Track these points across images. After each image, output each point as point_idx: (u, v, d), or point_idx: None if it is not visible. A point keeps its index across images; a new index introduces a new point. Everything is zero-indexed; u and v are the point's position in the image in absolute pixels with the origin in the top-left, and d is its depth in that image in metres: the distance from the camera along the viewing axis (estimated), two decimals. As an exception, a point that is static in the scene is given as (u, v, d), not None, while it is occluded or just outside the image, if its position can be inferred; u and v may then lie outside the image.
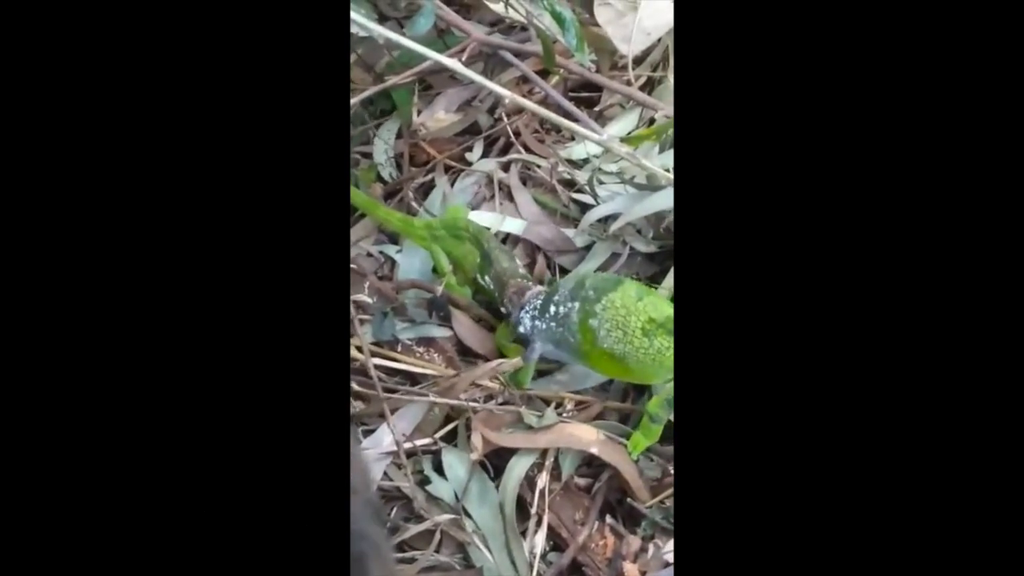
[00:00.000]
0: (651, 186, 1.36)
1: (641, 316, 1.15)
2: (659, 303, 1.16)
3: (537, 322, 1.24)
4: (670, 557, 1.15)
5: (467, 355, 1.36)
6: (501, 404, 1.26)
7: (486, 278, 1.34)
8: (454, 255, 1.37)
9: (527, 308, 1.26)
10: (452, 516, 1.19)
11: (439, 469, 1.24)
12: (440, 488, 1.23)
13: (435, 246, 1.38)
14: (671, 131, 1.37)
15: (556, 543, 1.20)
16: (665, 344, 1.14)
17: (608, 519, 1.21)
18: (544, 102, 1.43)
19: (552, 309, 1.22)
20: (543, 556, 1.19)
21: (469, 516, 1.20)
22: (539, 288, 1.28)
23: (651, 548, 1.18)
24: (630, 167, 1.40)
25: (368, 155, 1.57)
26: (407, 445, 1.23)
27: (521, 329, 1.26)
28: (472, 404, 1.25)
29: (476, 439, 1.22)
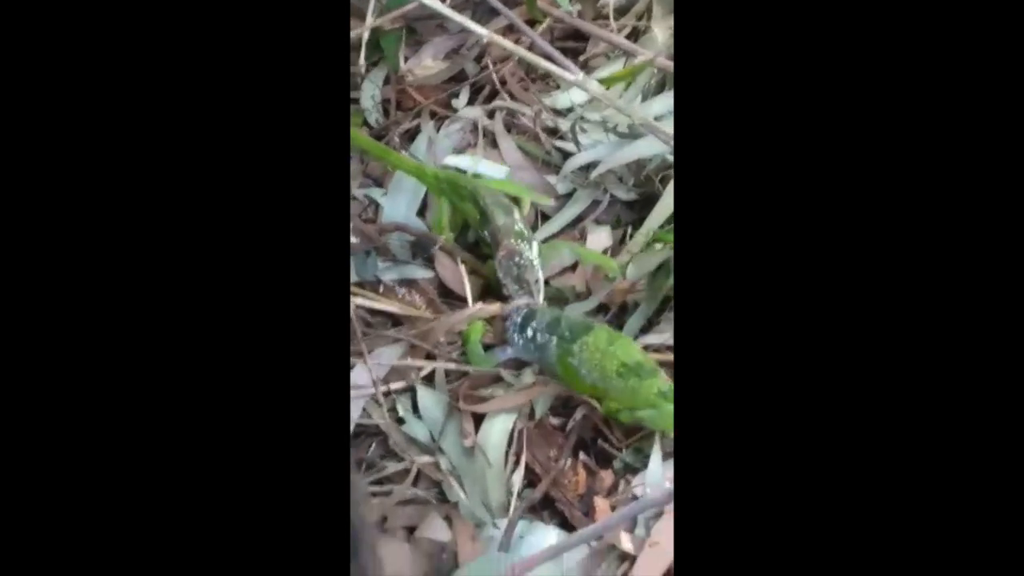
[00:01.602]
0: (632, 134, 1.38)
1: (614, 360, 1.20)
2: (628, 347, 1.22)
3: (515, 336, 1.27)
4: (639, 491, 1.18)
5: (449, 297, 1.39)
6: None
7: (484, 233, 1.36)
8: (456, 209, 1.39)
9: (509, 320, 1.29)
10: (429, 459, 1.22)
11: (416, 409, 1.27)
12: (416, 428, 1.26)
13: (442, 199, 1.40)
14: (653, 77, 1.40)
15: (530, 480, 1.23)
16: (636, 385, 1.19)
17: (581, 456, 1.24)
18: (530, 50, 1.44)
19: (529, 332, 1.26)
20: (519, 495, 1.22)
21: (444, 454, 1.23)
22: (522, 303, 1.30)
23: (622, 485, 1.21)
24: (612, 115, 1.42)
25: (355, 100, 1.59)
26: (384, 387, 1.26)
27: (505, 336, 1.30)
28: (447, 365, 1.28)
29: (468, 426, 1.25)
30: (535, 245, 1.34)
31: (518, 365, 1.29)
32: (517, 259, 1.31)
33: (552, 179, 1.45)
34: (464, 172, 1.46)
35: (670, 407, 1.17)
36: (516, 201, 1.40)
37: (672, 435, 1.19)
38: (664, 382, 1.19)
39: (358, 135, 1.46)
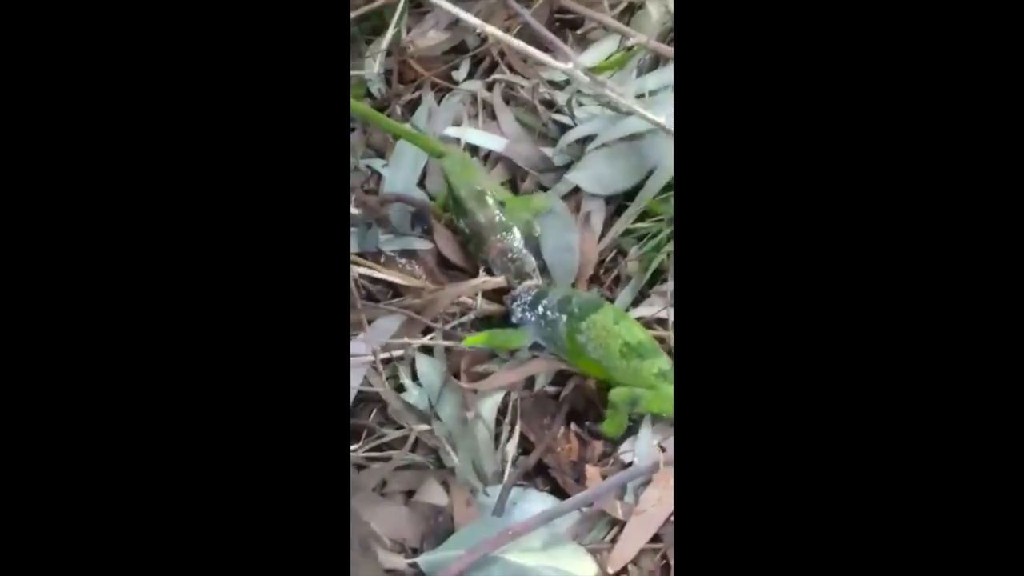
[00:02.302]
0: (627, 110, 1.41)
1: (618, 340, 1.24)
2: (632, 328, 1.25)
3: (527, 315, 1.31)
4: (627, 457, 1.24)
5: (448, 268, 1.43)
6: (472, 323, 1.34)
7: (461, 222, 1.40)
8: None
9: (519, 300, 1.32)
10: (426, 427, 1.27)
11: (416, 377, 1.31)
12: (414, 395, 1.30)
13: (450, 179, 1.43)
14: (644, 56, 1.43)
15: (525, 447, 1.28)
16: (638, 365, 1.23)
17: (573, 426, 1.29)
18: (527, 27, 1.48)
19: (541, 309, 1.29)
20: (513, 462, 1.27)
21: (441, 421, 1.28)
22: (531, 283, 1.34)
23: (613, 455, 1.26)
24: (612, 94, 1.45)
25: (357, 71, 1.61)
26: (384, 354, 1.31)
27: (513, 319, 1.33)
28: (443, 336, 1.32)
29: (469, 399, 1.28)
30: (516, 231, 1.37)
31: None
32: (510, 254, 1.35)
33: (549, 151, 1.49)
34: (458, 142, 1.50)
35: (668, 388, 1.21)
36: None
37: (666, 417, 1.23)
38: (665, 362, 1.23)
39: (359, 106, 1.48)
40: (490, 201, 1.39)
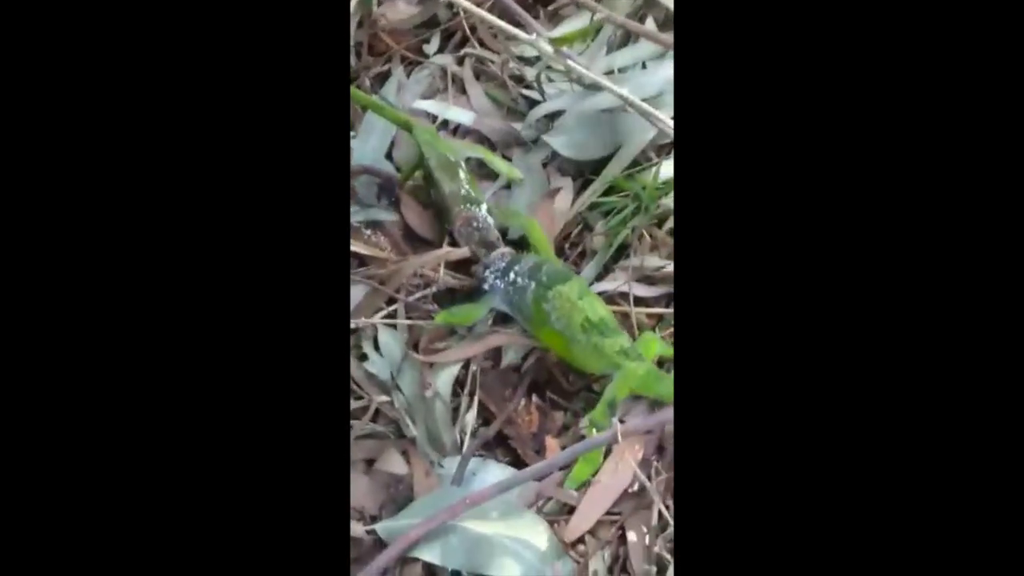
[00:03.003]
0: (596, 86, 1.42)
1: (580, 314, 1.24)
2: (595, 304, 1.26)
3: (498, 282, 1.31)
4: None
5: (414, 241, 1.43)
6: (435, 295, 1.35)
7: (431, 193, 1.41)
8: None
9: (492, 267, 1.32)
10: (386, 399, 1.28)
11: (377, 347, 1.32)
12: (376, 365, 1.31)
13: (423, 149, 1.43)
14: (615, 32, 1.44)
15: (485, 418, 1.29)
16: (598, 342, 1.23)
17: (535, 398, 1.30)
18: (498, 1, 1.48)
19: (511, 276, 1.29)
20: (473, 433, 1.27)
21: (401, 392, 1.28)
22: (505, 250, 1.34)
23: (573, 427, 1.27)
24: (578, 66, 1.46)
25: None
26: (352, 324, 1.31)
27: (484, 286, 1.33)
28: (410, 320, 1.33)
29: (429, 376, 1.29)
30: (484, 205, 1.38)
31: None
32: (474, 223, 1.35)
33: (518, 126, 1.49)
34: (432, 118, 1.50)
35: (632, 365, 1.22)
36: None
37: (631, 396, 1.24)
38: (627, 340, 1.24)
39: None
40: (461, 174, 1.39)
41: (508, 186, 1.46)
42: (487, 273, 1.33)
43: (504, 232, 1.39)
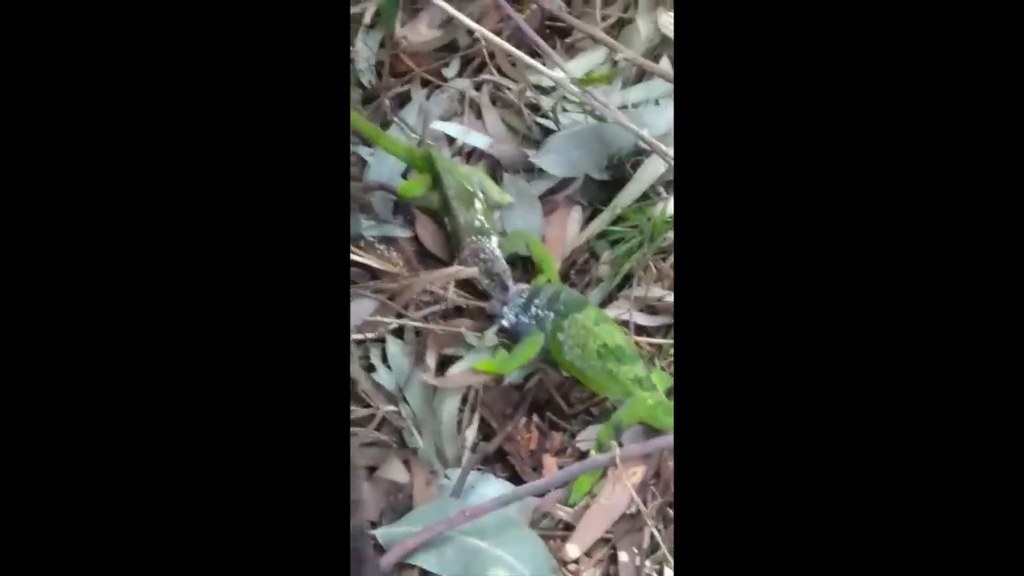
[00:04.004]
0: (613, 120, 1.46)
1: (597, 340, 1.28)
2: (612, 331, 1.29)
3: (522, 318, 1.34)
4: (584, 445, 1.29)
5: (426, 258, 1.47)
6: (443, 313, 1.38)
7: (445, 220, 1.44)
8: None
9: (511, 305, 1.35)
10: (393, 409, 1.31)
11: (386, 359, 1.36)
12: (383, 376, 1.34)
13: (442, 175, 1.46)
14: (631, 70, 1.49)
15: (486, 434, 1.33)
16: (614, 368, 1.27)
17: (535, 417, 1.34)
18: (518, 31, 1.52)
19: (533, 310, 1.33)
20: (473, 448, 1.31)
21: (407, 403, 1.32)
22: (522, 286, 1.37)
23: (570, 447, 1.31)
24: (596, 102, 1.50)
25: (350, 60, 1.66)
26: (358, 336, 1.35)
27: (506, 323, 1.36)
28: (416, 324, 1.36)
29: (431, 360, 1.33)
30: (495, 237, 1.42)
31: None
32: (481, 255, 1.39)
33: (531, 153, 1.53)
34: (453, 139, 1.55)
35: (644, 394, 1.26)
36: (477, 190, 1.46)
37: (637, 424, 1.28)
38: (642, 369, 1.27)
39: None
40: (477, 204, 1.43)
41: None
42: (506, 310, 1.36)
43: (511, 258, 1.43)
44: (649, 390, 1.26)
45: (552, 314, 1.31)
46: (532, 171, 1.52)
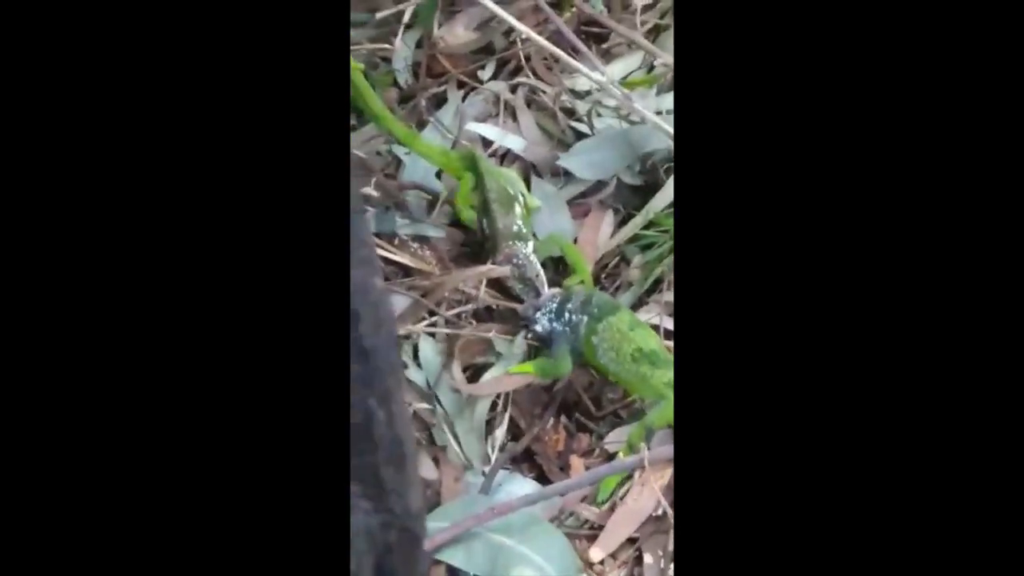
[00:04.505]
0: (653, 124, 1.47)
1: (632, 344, 1.29)
2: (647, 336, 1.30)
3: (555, 324, 1.34)
4: (612, 447, 1.31)
5: (459, 257, 1.49)
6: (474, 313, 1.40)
7: (483, 222, 1.45)
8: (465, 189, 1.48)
9: (544, 310, 1.36)
10: (426, 406, 1.33)
11: (417, 357, 1.37)
12: (415, 374, 1.36)
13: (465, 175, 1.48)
14: (667, 77, 1.50)
15: (515, 434, 1.34)
16: (648, 372, 1.28)
17: (563, 419, 1.35)
18: (556, 32, 1.54)
19: (566, 316, 1.33)
20: (501, 448, 1.33)
21: (439, 402, 1.34)
22: (555, 291, 1.38)
23: (598, 449, 1.33)
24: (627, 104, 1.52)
25: (388, 59, 1.68)
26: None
27: (539, 328, 1.36)
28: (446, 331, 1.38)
29: (456, 371, 1.34)
30: (531, 243, 1.42)
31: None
32: (515, 260, 1.40)
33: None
34: (490, 142, 1.56)
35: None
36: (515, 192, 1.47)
37: (667, 427, 1.29)
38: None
39: (385, 116, 1.49)
40: (517, 209, 1.44)
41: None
42: (539, 315, 1.36)
43: (544, 260, 1.44)
44: None
45: (586, 318, 1.32)
46: (561, 175, 1.53)
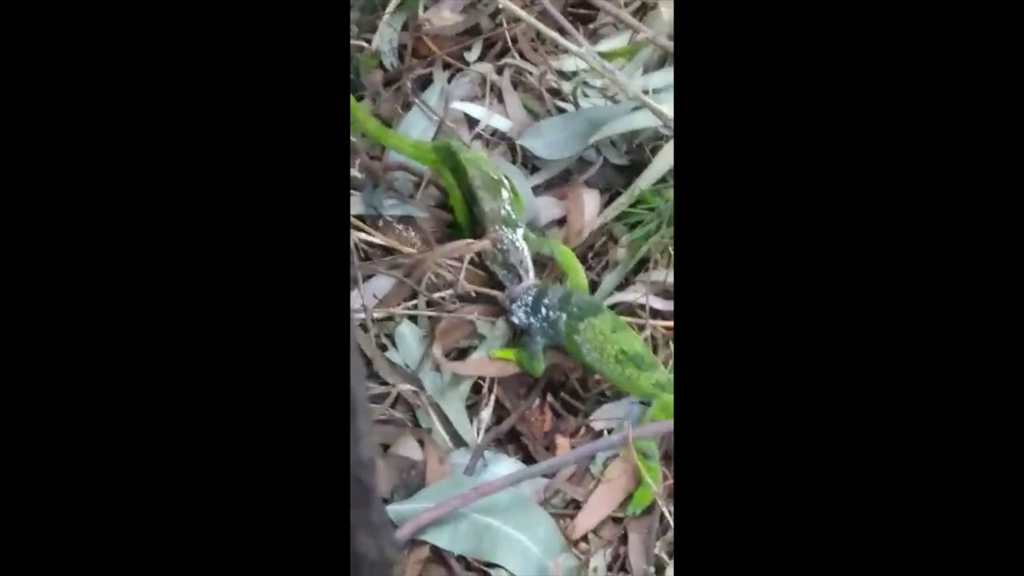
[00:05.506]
0: (635, 99, 1.46)
1: (615, 346, 1.28)
2: (630, 338, 1.29)
3: (532, 319, 1.33)
4: (597, 425, 1.31)
5: (444, 239, 1.47)
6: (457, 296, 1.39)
7: (473, 210, 1.43)
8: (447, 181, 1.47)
9: (519, 302, 1.35)
10: (410, 388, 1.32)
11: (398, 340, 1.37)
12: (398, 356, 1.35)
13: (443, 170, 1.46)
14: (650, 49, 1.50)
15: (500, 415, 1.34)
16: (634, 375, 1.27)
17: (549, 399, 1.35)
18: (542, 13, 1.53)
19: (543, 311, 1.32)
20: (487, 428, 1.32)
21: (422, 383, 1.33)
22: (530, 283, 1.35)
23: (583, 428, 1.32)
24: (612, 84, 1.51)
25: (371, 42, 1.66)
26: (376, 314, 1.36)
27: (515, 320, 1.35)
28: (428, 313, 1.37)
29: (438, 351, 1.34)
30: (520, 230, 1.40)
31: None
32: (499, 246, 1.38)
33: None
34: (476, 121, 1.56)
35: (668, 397, 1.25)
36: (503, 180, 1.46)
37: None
38: (663, 375, 1.27)
39: (358, 110, 1.49)
40: (504, 194, 1.43)
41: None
42: (514, 307, 1.35)
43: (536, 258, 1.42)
44: (672, 392, 1.25)
45: (564, 315, 1.30)
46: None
